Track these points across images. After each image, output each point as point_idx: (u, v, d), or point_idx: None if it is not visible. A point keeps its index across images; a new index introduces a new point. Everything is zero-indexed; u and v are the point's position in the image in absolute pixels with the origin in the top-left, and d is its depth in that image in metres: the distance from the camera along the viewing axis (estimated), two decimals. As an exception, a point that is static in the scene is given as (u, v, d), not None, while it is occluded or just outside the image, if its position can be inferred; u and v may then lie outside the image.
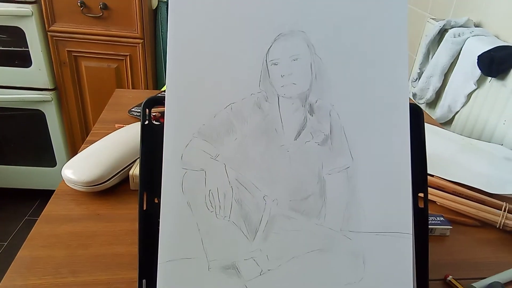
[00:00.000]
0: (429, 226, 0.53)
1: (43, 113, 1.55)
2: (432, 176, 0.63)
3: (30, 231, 0.48)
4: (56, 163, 1.65)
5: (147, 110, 0.40)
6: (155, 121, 0.40)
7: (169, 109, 0.38)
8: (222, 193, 0.38)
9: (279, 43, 0.39)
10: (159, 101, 0.40)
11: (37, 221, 0.50)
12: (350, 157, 0.39)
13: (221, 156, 0.38)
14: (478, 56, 1.01)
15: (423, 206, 0.42)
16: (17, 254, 0.45)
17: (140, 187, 0.39)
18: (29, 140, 1.64)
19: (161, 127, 0.38)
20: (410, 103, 0.41)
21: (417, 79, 1.35)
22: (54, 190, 0.55)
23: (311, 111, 0.40)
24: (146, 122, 0.40)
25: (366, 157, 0.39)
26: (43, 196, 1.74)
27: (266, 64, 0.39)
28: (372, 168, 0.39)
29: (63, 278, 0.42)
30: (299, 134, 0.39)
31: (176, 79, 0.38)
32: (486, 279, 0.46)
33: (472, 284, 0.45)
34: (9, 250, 1.54)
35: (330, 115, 0.40)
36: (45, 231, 0.48)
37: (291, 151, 0.39)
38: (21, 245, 0.46)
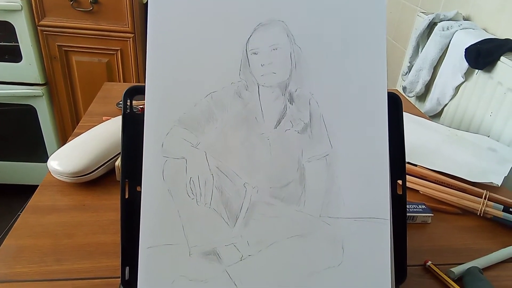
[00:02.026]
0: (411, 214, 0.54)
1: (34, 108, 1.54)
2: (416, 165, 0.64)
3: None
4: (48, 159, 1.65)
5: (128, 99, 0.40)
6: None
7: (150, 97, 0.38)
8: (203, 181, 0.38)
9: (259, 32, 0.39)
10: (140, 90, 0.40)
11: (23, 211, 0.50)
12: (329, 145, 0.40)
13: (201, 144, 0.39)
14: (466, 49, 1.02)
15: (401, 193, 0.43)
16: (3, 243, 0.45)
17: (121, 175, 0.40)
18: (20, 135, 1.64)
19: (142, 116, 0.38)
20: (388, 92, 0.41)
21: (407, 72, 1.36)
22: (47, 186, 0.55)
23: (291, 100, 0.40)
24: (128, 111, 0.40)
25: (345, 145, 0.40)
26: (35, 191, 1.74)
27: (246, 54, 0.39)
28: (351, 155, 0.40)
29: (48, 266, 0.43)
30: (279, 122, 0.40)
31: (156, 68, 0.38)
32: (465, 264, 0.47)
33: (451, 269, 0.46)
34: (2, 245, 1.54)
35: (309, 103, 0.40)
36: (31, 221, 0.49)
37: (271, 139, 0.40)
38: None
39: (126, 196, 0.40)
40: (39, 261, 0.43)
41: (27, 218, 0.49)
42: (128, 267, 0.40)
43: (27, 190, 1.73)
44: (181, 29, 0.38)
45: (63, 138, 1.64)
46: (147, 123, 0.38)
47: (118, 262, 0.42)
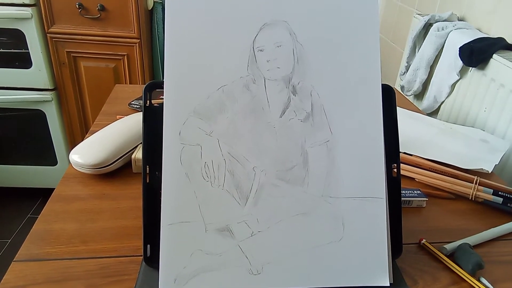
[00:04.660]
0: (407, 198, 0.58)
1: (44, 113, 1.59)
2: (411, 155, 0.68)
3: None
4: (57, 162, 1.69)
5: (148, 93, 0.45)
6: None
7: (168, 91, 0.42)
8: (216, 165, 0.43)
9: (264, 31, 0.44)
10: (158, 85, 0.45)
11: (49, 200, 0.54)
12: (330, 132, 0.44)
13: (214, 132, 0.43)
14: (460, 48, 1.06)
15: (396, 176, 0.47)
16: (32, 228, 0.49)
17: (143, 162, 0.44)
18: (30, 139, 1.68)
19: (160, 108, 0.43)
20: (382, 84, 0.46)
21: (404, 72, 1.40)
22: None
23: (294, 92, 0.44)
24: (148, 104, 0.45)
25: (343, 132, 0.44)
26: (45, 194, 1.78)
27: (253, 51, 0.44)
28: (349, 141, 0.44)
29: (75, 246, 0.47)
30: (283, 112, 0.44)
31: (173, 64, 0.42)
32: (456, 241, 0.51)
33: (444, 246, 0.50)
34: (13, 247, 1.58)
35: (311, 95, 0.45)
36: (57, 208, 0.53)
37: (277, 127, 0.44)
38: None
39: (147, 181, 0.44)
40: (66, 242, 0.48)
41: (53, 205, 0.53)
42: (149, 245, 0.44)
43: (36, 193, 1.79)
44: (195, 31, 0.43)
45: (71, 142, 1.69)
46: (166, 114, 0.42)
47: (139, 243, 0.47)
